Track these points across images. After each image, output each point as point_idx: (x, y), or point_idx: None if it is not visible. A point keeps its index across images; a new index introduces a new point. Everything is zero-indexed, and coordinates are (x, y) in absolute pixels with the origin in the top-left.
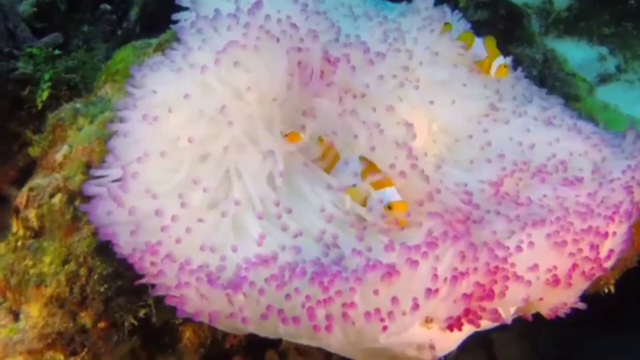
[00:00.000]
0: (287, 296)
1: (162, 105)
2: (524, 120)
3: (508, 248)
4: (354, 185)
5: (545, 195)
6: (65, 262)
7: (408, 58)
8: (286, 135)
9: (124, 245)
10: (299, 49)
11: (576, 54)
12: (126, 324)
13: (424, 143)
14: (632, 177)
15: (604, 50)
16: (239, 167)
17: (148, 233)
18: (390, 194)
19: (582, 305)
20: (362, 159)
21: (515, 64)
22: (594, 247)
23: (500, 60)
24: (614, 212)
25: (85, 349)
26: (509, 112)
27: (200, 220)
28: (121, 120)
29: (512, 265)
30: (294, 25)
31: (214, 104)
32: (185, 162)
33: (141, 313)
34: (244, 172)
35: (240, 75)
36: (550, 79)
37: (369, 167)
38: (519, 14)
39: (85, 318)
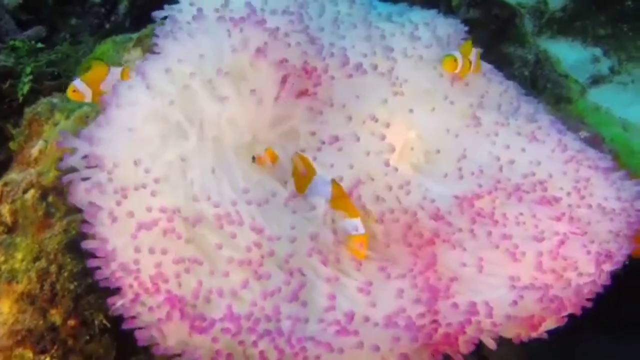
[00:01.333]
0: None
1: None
2: (506, 134)
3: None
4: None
5: (521, 214)
6: (36, 258)
7: (390, 67)
8: (255, 158)
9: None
10: (280, 62)
11: (569, 54)
12: (96, 322)
13: (401, 151)
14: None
15: (597, 51)
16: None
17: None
18: (352, 225)
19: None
20: (333, 183)
21: (506, 65)
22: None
23: (452, 51)
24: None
25: (55, 347)
26: (491, 124)
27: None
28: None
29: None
30: (276, 37)
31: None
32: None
33: (111, 312)
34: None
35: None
36: (541, 80)
37: (337, 193)
38: (512, 13)
39: (55, 315)
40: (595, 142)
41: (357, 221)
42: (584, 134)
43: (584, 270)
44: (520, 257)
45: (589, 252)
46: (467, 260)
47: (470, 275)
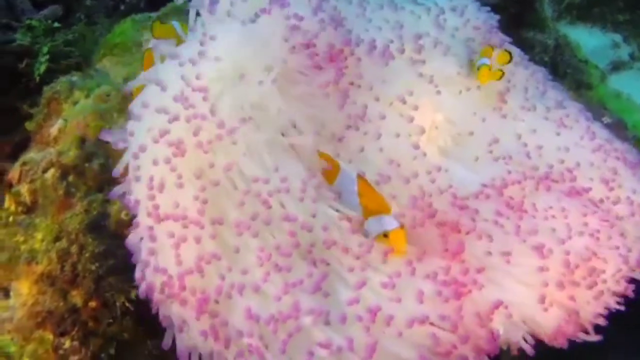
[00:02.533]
0: None
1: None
2: (533, 119)
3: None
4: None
5: (551, 207)
6: (56, 239)
7: (417, 51)
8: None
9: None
10: (307, 45)
11: (589, 40)
12: (118, 304)
13: (428, 133)
14: None
15: (617, 37)
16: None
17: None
18: (387, 222)
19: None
20: (359, 179)
21: (527, 50)
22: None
23: (484, 60)
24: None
25: (76, 329)
26: (518, 108)
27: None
28: None
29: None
30: (301, 19)
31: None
32: None
33: (132, 294)
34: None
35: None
36: (562, 65)
37: (365, 189)
38: None
39: (76, 297)
40: (618, 128)
41: (391, 217)
42: (606, 119)
43: (612, 270)
44: (547, 255)
45: (619, 253)
46: (494, 252)
47: (496, 268)
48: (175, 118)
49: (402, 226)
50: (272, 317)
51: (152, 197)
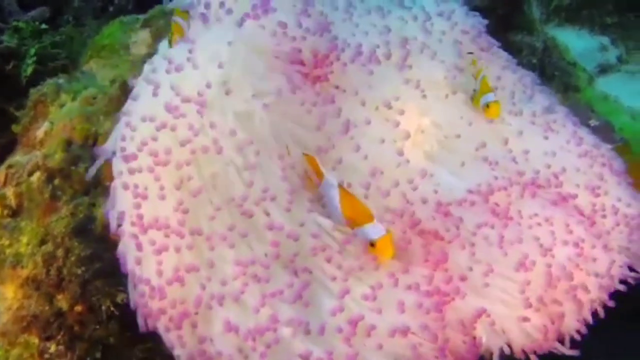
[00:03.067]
0: None
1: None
2: (520, 123)
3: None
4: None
5: (536, 214)
6: (42, 242)
7: (403, 56)
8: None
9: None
10: (291, 50)
11: (577, 43)
12: (103, 307)
13: (414, 138)
14: None
15: (605, 40)
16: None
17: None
18: (373, 230)
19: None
20: (340, 189)
21: (514, 53)
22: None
23: (490, 96)
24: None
25: (61, 333)
26: (505, 112)
27: None
28: None
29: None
30: (286, 25)
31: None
32: None
33: (119, 298)
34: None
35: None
36: (550, 68)
37: (346, 200)
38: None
39: (62, 301)
40: (605, 130)
41: (375, 225)
42: (594, 122)
43: (595, 281)
44: (530, 266)
45: (603, 264)
46: (477, 261)
47: (478, 277)
48: (162, 126)
49: (388, 232)
50: (250, 329)
51: (137, 206)
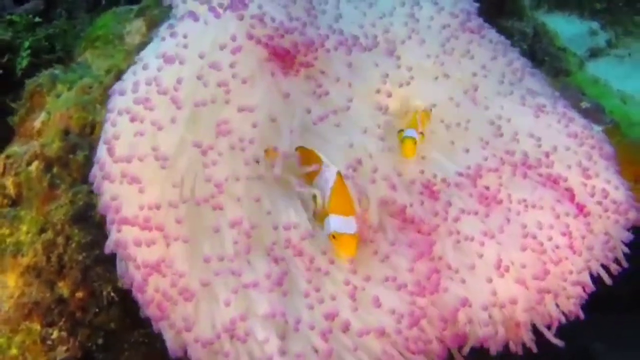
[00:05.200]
0: None
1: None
2: (510, 104)
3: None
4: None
5: (525, 199)
6: (42, 230)
7: (391, 41)
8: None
9: None
10: (275, 36)
11: (567, 28)
12: (104, 293)
13: (403, 121)
14: None
15: (594, 25)
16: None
17: None
18: (345, 223)
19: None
20: (338, 175)
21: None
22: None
23: (410, 132)
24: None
25: (63, 319)
26: (494, 94)
27: None
28: None
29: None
30: (270, 12)
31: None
32: None
33: (119, 283)
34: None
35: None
36: (540, 53)
37: (338, 188)
38: None
39: (63, 288)
40: (596, 112)
41: (350, 219)
42: (585, 104)
43: (580, 268)
44: (517, 255)
45: (590, 251)
46: (463, 249)
47: (463, 265)
48: (140, 120)
49: (356, 234)
50: (225, 322)
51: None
